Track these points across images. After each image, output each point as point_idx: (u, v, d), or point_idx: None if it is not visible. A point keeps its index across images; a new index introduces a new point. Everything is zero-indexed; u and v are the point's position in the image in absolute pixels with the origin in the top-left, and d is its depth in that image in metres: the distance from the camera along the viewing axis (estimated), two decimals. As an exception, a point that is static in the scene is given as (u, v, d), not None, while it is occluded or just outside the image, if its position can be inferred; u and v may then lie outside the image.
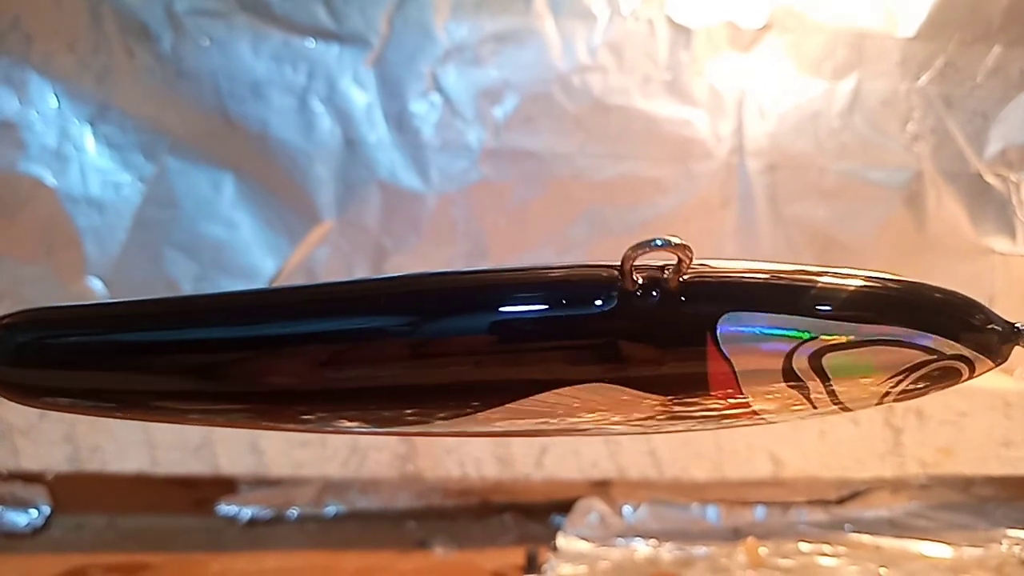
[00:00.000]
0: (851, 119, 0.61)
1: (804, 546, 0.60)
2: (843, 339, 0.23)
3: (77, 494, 0.64)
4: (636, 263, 0.23)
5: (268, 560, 0.60)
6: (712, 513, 0.64)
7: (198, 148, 0.60)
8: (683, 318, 0.23)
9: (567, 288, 0.23)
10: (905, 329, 0.24)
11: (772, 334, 0.23)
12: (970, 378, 0.25)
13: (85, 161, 0.60)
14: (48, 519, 0.63)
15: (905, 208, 0.63)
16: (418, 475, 0.57)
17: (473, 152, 0.60)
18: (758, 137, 0.61)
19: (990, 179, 0.63)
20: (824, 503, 0.65)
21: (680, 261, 0.23)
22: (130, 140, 0.60)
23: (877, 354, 0.24)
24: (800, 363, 0.23)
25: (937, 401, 0.59)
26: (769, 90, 0.61)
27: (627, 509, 0.63)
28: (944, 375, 0.24)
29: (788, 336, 0.23)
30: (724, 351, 0.23)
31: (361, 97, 0.59)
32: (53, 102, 0.59)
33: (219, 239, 0.60)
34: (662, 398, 0.23)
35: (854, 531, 0.62)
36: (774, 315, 0.23)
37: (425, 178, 0.60)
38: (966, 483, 0.66)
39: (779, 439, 0.59)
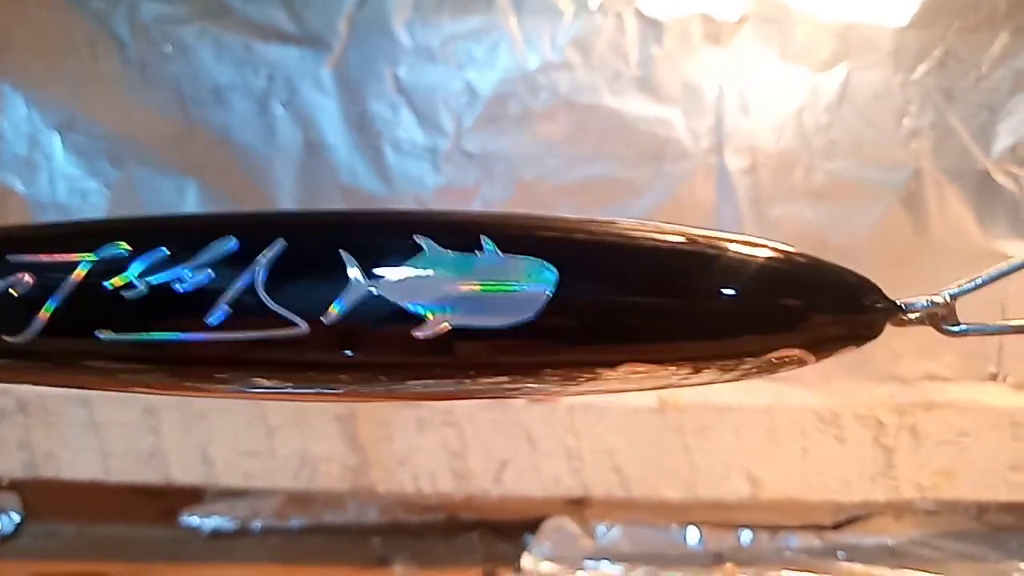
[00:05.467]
0: (840, 114, 0.57)
1: (788, 574, 0.56)
2: None
3: (49, 502, 0.64)
4: None
5: (226, 573, 0.59)
6: (693, 536, 0.60)
7: (162, 155, 0.60)
8: None
9: None
10: None
11: None
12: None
13: (54, 169, 0.60)
14: (19, 526, 0.63)
15: (903, 209, 0.58)
16: (370, 488, 0.55)
17: (436, 154, 0.58)
18: (738, 135, 0.58)
19: (999, 177, 0.57)
20: (818, 528, 0.60)
21: None
22: (97, 147, 0.60)
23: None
24: None
25: (935, 419, 0.54)
26: (749, 84, 0.57)
27: (600, 529, 0.60)
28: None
29: None
30: None
31: (322, 100, 0.58)
32: (23, 110, 0.59)
33: (184, 245, 0.60)
34: None
35: (847, 559, 0.57)
36: None
37: (387, 181, 0.59)
38: (979, 510, 0.60)
39: (757, 457, 0.55)
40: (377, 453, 0.54)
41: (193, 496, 0.63)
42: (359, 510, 0.63)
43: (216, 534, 0.62)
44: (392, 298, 0.21)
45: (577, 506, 0.60)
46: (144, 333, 0.21)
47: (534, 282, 0.21)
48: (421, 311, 0.21)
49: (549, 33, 0.57)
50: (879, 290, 0.24)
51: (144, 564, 0.59)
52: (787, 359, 0.23)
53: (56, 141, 0.60)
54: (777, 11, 0.56)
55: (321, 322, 0.21)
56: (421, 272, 0.21)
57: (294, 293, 0.21)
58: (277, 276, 0.21)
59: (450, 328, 0.21)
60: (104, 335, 0.21)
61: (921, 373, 0.60)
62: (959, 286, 0.24)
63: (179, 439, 0.55)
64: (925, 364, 0.61)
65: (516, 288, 0.21)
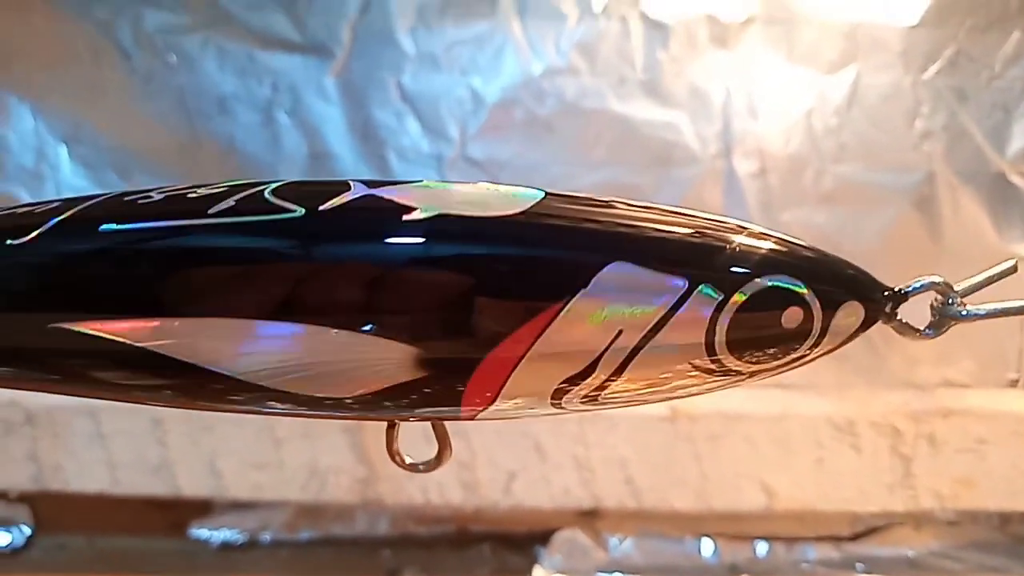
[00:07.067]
0: (850, 116, 0.56)
1: (805, 587, 0.54)
2: None
3: (60, 514, 0.64)
4: None
5: (234, 586, 0.58)
6: (707, 548, 0.58)
7: (168, 165, 0.59)
8: None
9: None
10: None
11: None
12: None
13: (60, 180, 0.60)
14: (29, 539, 0.63)
15: (916, 213, 0.57)
16: (379, 500, 0.54)
17: (441, 162, 0.58)
18: (747, 139, 0.57)
19: (1014, 179, 0.56)
20: (836, 539, 0.59)
21: None
22: (103, 159, 0.60)
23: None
24: None
25: (953, 427, 0.53)
26: (757, 87, 0.56)
27: (613, 541, 0.59)
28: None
29: None
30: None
31: (326, 108, 0.58)
32: (30, 122, 0.59)
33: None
34: None
35: (866, 571, 0.56)
36: None
37: (392, 190, 0.58)
38: (1002, 520, 0.58)
39: (771, 467, 0.54)
40: (385, 465, 0.53)
41: (202, 508, 0.62)
42: (369, 522, 0.62)
43: (225, 546, 0.62)
44: (388, 196, 0.22)
45: (589, 518, 0.59)
46: (144, 222, 0.21)
47: (524, 195, 0.22)
48: (414, 203, 0.22)
49: (553, 38, 0.56)
50: (877, 281, 0.24)
51: (152, 577, 0.59)
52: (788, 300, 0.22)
53: (62, 152, 0.60)
54: (784, 12, 0.55)
55: (317, 209, 0.21)
56: (421, 185, 0.23)
57: (298, 193, 0.22)
58: (287, 186, 0.22)
59: (439, 214, 0.21)
60: (105, 227, 0.21)
61: (938, 380, 0.59)
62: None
63: (187, 451, 0.54)
64: (942, 371, 0.60)
65: (507, 194, 0.22)
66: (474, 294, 0.21)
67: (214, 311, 0.21)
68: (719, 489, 0.54)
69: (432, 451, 0.25)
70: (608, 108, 0.57)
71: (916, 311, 0.24)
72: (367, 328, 0.21)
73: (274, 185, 0.22)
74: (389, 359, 0.21)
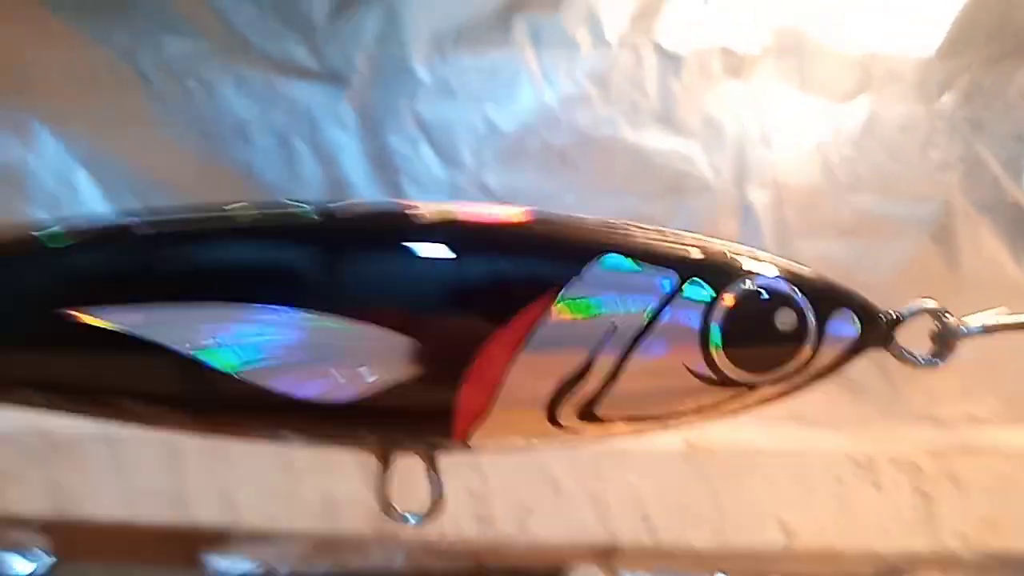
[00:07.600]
0: (865, 147, 0.56)
1: (825, 629, 0.52)
2: None
3: (80, 543, 0.63)
4: None
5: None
6: (723, 588, 0.56)
7: (186, 191, 0.60)
8: None
9: None
10: None
11: None
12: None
13: (80, 204, 0.61)
14: (51, 568, 0.62)
15: (934, 244, 0.56)
16: (394, 533, 0.53)
17: (455, 190, 0.58)
18: (761, 169, 0.57)
19: (1034, 210, 0.56)
20: (856, 581, 0.57)
21: None
22: (122, 183, 0.60)
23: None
24: None
25: (977, 465, 0.51)
26: (771, 117, 0.56)
27: (626, 579, 0.57)
28: None
29: None
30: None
31: (342, 136, 0.59)
32: (51, 146, 0.60)
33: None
34: None
35: (888, 615, 0.54)
36: None
37: (406, 217, 0.58)
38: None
39: (789, 504, 0.52)
40: (401, 498, 0.53)
41: (220, 540, 0.61)
42: (385, 556, 0.61)
43: (244, 578, 0.60)
44: (398, 201, 0.24)
45: (606, 556, 0.58)
46: (173, 215, 0.23)
47: (519, 210, 0.24)
48: (418, 206, 0.23)
49: (567, 67, 0.57)
50: (873, 304, 0.24)
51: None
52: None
53: (82, 176, 0.60)
54: (797, 43, 0.55)
55: (328, 208, 0.23)
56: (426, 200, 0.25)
57: (311, 202, 0.24)
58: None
59: (440, 211, 0.23)
60: (136, 219, 0.23)
61: (961, 415, 0.58)
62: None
63: (204, 480, 0.54)
64: (965, 406, 0.58)
65: (504, 208, 0.24)
66: (471, 283, 0.21)
67: (219, 296, 0.21)
68: (737, 527, 0.52)
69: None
70: (622, 137, 0.57)
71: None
72: (365, 316, 0.21)
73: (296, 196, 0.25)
74: (385, 349, 0.21)
